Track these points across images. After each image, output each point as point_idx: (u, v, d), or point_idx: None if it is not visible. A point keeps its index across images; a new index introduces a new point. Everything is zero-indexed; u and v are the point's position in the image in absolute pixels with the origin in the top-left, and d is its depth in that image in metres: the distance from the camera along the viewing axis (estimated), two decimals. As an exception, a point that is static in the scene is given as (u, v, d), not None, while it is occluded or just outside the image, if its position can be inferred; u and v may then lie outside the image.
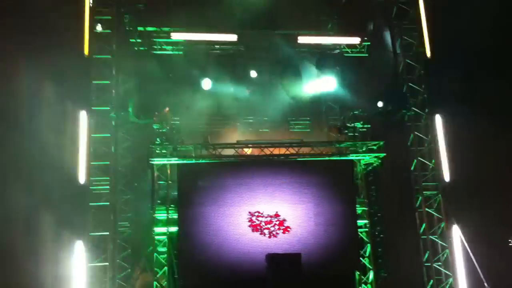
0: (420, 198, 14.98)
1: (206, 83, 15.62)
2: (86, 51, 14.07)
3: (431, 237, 14.64)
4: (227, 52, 16.21)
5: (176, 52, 15.89)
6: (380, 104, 16.04)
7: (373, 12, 16.47)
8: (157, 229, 14.66)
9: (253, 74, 15.95)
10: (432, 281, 14.41)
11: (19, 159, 13.22)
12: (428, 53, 15.60)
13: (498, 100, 15.91)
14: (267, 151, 15.67)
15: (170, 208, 14.84)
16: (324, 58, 16.36)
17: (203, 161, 15.30)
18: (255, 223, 14.96)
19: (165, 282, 14.38)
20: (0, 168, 12.92)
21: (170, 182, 15.14)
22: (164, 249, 14.66)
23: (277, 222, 14.98)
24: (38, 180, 13.17)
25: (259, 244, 14.80)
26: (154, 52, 15.77)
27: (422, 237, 14.75)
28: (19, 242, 13.20)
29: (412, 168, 15.38)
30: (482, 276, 13.54)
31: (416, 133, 15.51)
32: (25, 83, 14.09)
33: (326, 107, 17.60)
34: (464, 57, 15.64)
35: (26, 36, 14.24)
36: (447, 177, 14.77)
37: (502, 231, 15.87)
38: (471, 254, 13.95)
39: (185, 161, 15.16)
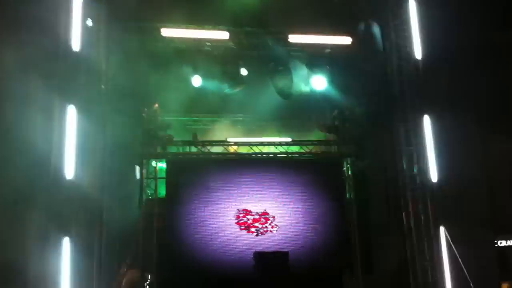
0: (408, 198, 14.99)
1: (196, 80, 15.59)
2: (75, 45, 13.92)
3: (417, 237, 14.66)
4: (218, 49, 16.12)
5: (167, 49, 15.78)
6: (369, 103, 16.14)
7: (364, 12, 16.47)
8: (145, 226, 14.61)
9: (244, 72, 15.93)
10: (417, 281, 14.45)
11: (4, 153, 13.08)
12: (419, 54, 15.60)
13: (488, 102, 16.05)
14: (256, 149, 15.70)
15: (158, 204, 14.79)
16: (314, 57, 16.36)
17: (192, 158, 15.28)
18: (243, 221, 14.99)
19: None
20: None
21: (158, 178, 15.11)
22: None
23: (265, 220, 15.02)
24: (24, 175, 13.03)
25: (247, 242, 14.84)
26: (145, 48, 15.66)
27: (409, 237, 14.76)
28: (3, 238, 13.07)
29: (400, 168, 15.40)
30: (468, 277, 13.62)
31: (404, 133, 15.51)
32: (12, 77, 13.94)
33: (315, 106, 17.64)
34: (455, 58, 15.73)
35: (13, 29, 14.09)
36: (434, 178, 14.79)
37: (489, 233, 16.01)
38: (457, 255, 14.03)
39: (173, 158, 15.13)
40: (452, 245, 14.18)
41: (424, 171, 14.96)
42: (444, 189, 14.67)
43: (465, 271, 13.70)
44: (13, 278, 12.16)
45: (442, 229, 14.37)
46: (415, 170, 15.19)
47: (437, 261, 14.38)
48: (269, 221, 15.00)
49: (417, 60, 15.62)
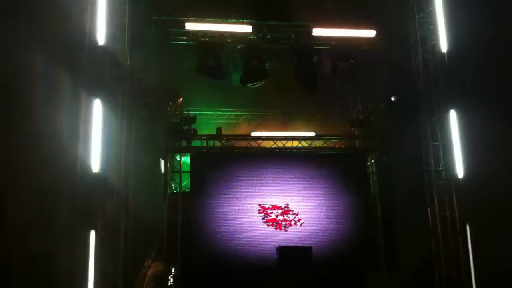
0: (433, 194, 14.82)
1: (220, 74, 15.57)
2: (100, 39, 13.99)
3: (443, 234, 14.49)
4: (241, 43, 16.08)
5: (191, 42, 15.79)
6: (394, 98, 16.03)
7: (389, 5, 16.27)
8: (170, 219, 14.69)
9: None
10: (442, 277, 14.31)
11: (32, 147, 13.25)
12: (444, 48, 15.37)
13: (514, 96, 15.76)
14: (280, 143, 15.66)
15: (182, 198, 14.87)
16: (339, 51, 16.23)
17: (216, 152, 15.33)
18: (266, 215, 14.99)
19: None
20: (14, 156, 12.97)
21: (182, 172, 15.18)
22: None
23: (289, 215, 15.00)
24: (51, 168, 13.20)
25: (270, 236, 14.84)
26: (169, 42, 15.69)
27: (434, 234, 14.61)
28: (30, 231, 13.26)
29: (425, 163, 15.23)
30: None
31: (430, 128, 15.33)
32: (39, 72, 14.08)
33: (340, 100, 17.56)
34: (481, 51, 15.47)
35: (39, 24, 14.22)
36: (460, 173, 14.60)
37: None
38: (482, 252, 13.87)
39: (198, 152, 15.19)
40: (478, 242, 14.03)
41: (450, 166, 14.78)
42: (470, 185, 14.47)
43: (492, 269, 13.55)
44: (40, 270, 12.36)
45: (468, 226, 14.20)
46: (440, 166, 15.03)
47: (462, 259, 14.23)
48: (292, 216, 14.98)
49: (443, 53, 15.41)
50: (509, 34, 15.86)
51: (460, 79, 15.69)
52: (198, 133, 15.38)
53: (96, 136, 13.39)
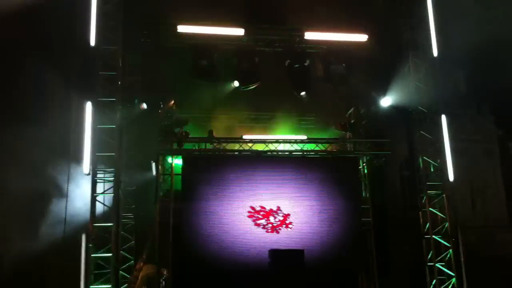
0: (424, 197, 14.88)
1: (212, 77, 15.56)
2: (92, 41, 13.94)
3: (434, 237, 14.54)
4: (233, 45, 16.08)
5: (183, 45, 15.75)
6: (385, 101, 16.10)
7: (380, 9, 16.38)
8: (161, 222, 14.62)
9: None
10: (434, 281, 14.34)
11: (24, 149, 13.17)
12: (435, 52, 15.48)
13: (504, 100, 15.91)
14: (272, 146, 15.66)
15: (173, 201, 14.81)
16: (330, 55, 16.28)
17: (208, 155, 15.30)
18: (257, 218, 14.96)
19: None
20: (4, 157, 12.89)
21: (174, 175, 15.13)
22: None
23: (280, 218, 14.99)
24: (44, 170, 13.14)
25: (262, 239, 14.81)
26: (161, 44, 15.64)
27: (426, 236, 14.66)
28: (22, 233, 13.16)
29: (416, 167, 15.29)
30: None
31: (421, 132, 15.37)
32: (31, 73, 14.01)
33: (331, 104, 17.57)
34: (472, 56, 15.60)
35: (31, 26, 14.16)
36: (451, 177, 14.68)
37: (506, 232, 15.90)
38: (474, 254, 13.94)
39: (189, 155, 15.16)
40: (469, 245, 14.11)
41: (441, 170, 14.86)
42: (462, 188, 14.56)
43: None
44: (31, 273, 12.26)
45: (459, 228, 14.27)
46: (432, 169, 15.09)
47: (453, 261, 14.28)
48: (284, 219, 14.96)
49: (434, 58, 15.51)
50: (499, 39, 16.03)
51: (451, 83, 15.80)
52: (190, 136, 15.33)
53: (88, 138, 13.33)
